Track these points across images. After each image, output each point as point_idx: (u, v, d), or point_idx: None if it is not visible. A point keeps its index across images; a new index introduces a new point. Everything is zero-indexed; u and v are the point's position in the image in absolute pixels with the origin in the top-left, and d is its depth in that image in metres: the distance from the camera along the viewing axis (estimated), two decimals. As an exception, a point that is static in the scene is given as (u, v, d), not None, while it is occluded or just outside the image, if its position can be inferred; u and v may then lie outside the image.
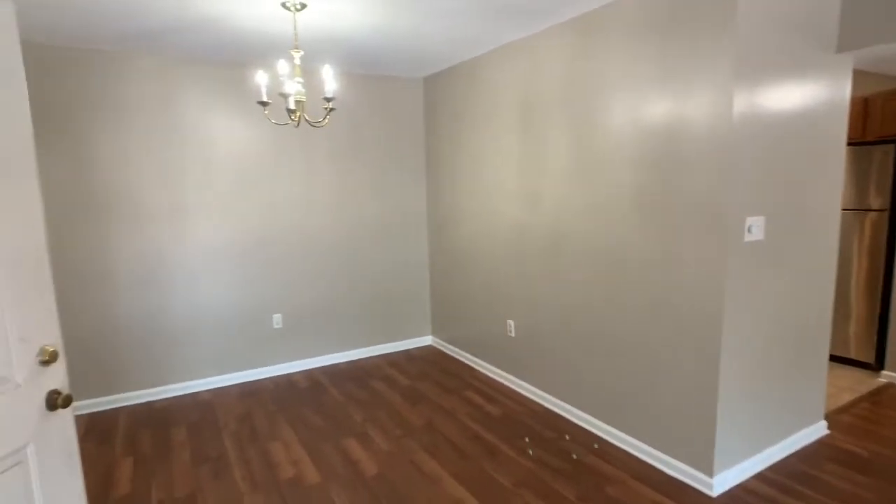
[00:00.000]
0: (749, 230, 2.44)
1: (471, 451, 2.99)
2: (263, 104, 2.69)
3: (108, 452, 3.10)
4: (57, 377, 1.36)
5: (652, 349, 2.78)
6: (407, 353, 4.79)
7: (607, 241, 2.98)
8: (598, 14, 2.88)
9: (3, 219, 1.23)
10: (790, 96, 2.52)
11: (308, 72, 3.99)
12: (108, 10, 2.73)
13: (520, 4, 2.80)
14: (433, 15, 2.91)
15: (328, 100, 2.69)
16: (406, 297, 4.88)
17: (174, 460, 2.99)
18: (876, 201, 3.89)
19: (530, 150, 3.48)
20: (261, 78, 2.73)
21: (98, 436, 3.31)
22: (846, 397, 3.57)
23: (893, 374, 3.82)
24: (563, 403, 3.42)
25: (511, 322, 3.87)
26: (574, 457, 2.88)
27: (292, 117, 2.66)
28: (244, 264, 4.09)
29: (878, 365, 3.96)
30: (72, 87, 3.41)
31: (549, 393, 3.54)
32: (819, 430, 3.06)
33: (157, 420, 3.52)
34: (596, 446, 2.85)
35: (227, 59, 3.79)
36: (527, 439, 2.93)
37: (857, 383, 3.81)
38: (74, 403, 3.64)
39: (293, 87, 2.60)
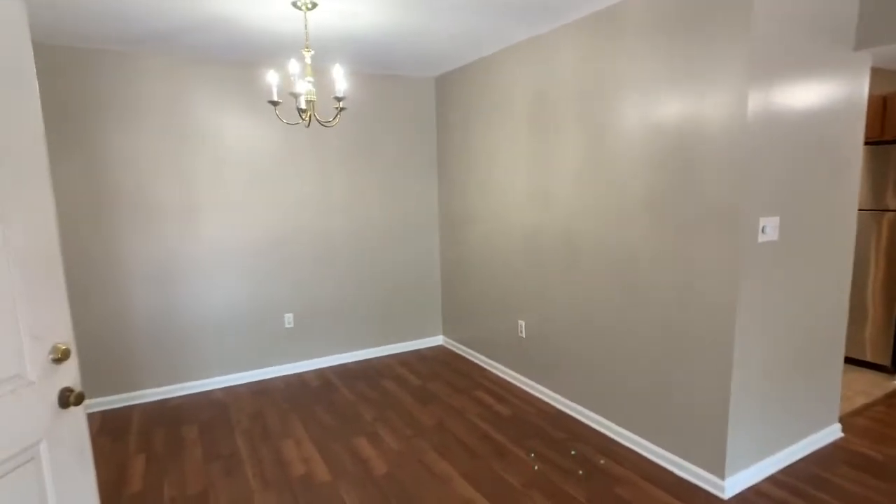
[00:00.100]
0: (763, 230, 2.41)
1: (481, 451, 2.99)
2: (274, 104, 2.70)
3: (121, 450, 3.13)
4: (69, 375, 1.38)
5: (663, 350, 2.75)
6: (418, 353, 4.79)
7: (619, 240, 2.95)
8: (610, 13, 2.86)
9: (16, 218, 1.24)
10: (806, 95, 2.48)
11: (319, 71, 4.01)
12: (119, 11, 2.76)
13: (532, 1, 2.78)
14: (444, 12, 2.90)
15: (339, 99, 2.69)
16: (417, 296, 4.88)
17: (186, 458, 3.02)
18: (894, 202, 3.82)
19: (543, 149, 3.47)
20: (272, 77, 2.74)
21: (111, 433, 3.35)
22: (861, 400, 3.51)
23: (911, 376, 3.77)
24: (573, 404, 3.40)
25: (522, 322, 3.86)
26: (576, 459, 2.87)
27: (303, 117, 2.67)
28: (256, 263, 4.11)
29: (894, 368, 3.89)
30: (83, 87, 3.44)
31: (560, 393, 3.53)
32: (833, 432, 3.01)
33: (169, 418, 3.55)
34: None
35: (238, 58, 3.82)
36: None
37: (873, 386, 3.74)
38: (88, 401, 3.70)
39: (304, 87, 2.61)
